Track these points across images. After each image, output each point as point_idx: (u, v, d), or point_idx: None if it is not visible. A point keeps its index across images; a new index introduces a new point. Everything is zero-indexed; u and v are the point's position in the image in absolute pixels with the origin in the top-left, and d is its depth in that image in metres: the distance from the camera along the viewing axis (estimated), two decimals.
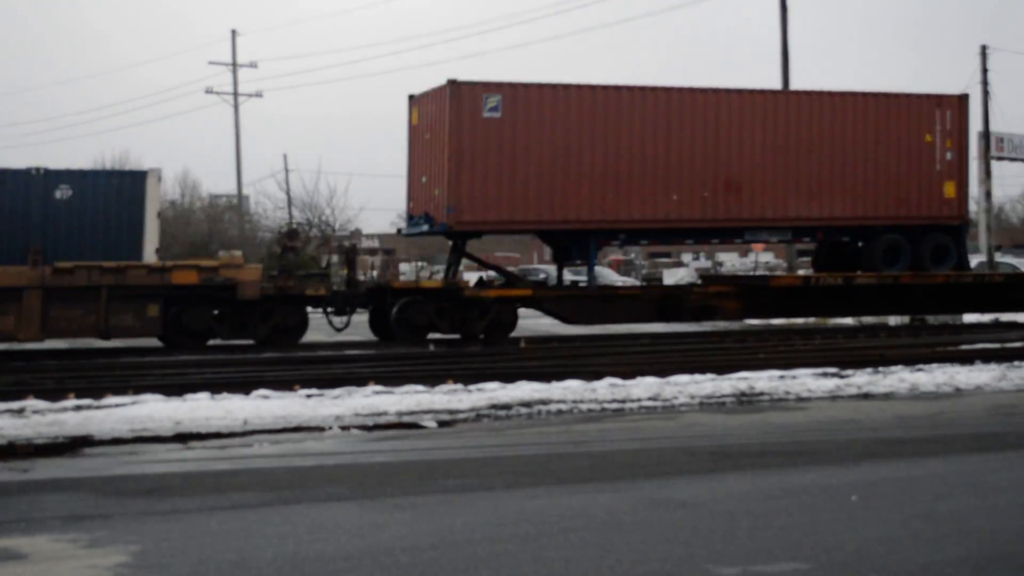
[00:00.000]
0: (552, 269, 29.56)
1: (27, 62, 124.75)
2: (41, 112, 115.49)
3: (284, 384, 14.56)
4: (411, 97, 23.23)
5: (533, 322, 29.19)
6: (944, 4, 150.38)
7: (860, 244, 24.87)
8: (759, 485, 8.77)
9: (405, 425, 12.18)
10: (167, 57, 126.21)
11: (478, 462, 9.97)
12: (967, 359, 18.13)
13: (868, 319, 26.73)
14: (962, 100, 24.88)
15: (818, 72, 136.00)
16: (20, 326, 19.05)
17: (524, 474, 9.36)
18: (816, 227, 24.53)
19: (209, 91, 53.05)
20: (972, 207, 27.89)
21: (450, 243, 23.56)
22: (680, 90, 23.13)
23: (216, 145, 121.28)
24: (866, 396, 14.63)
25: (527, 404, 13.34)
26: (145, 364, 17.36)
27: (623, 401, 13.71)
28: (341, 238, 45.90)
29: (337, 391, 14.10)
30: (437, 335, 21.75)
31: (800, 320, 27.13)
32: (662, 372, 15.92)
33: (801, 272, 33.42)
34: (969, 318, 27.56)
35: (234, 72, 53.03)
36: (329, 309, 21.77)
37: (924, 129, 24.15)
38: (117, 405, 12.75)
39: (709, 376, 15.62)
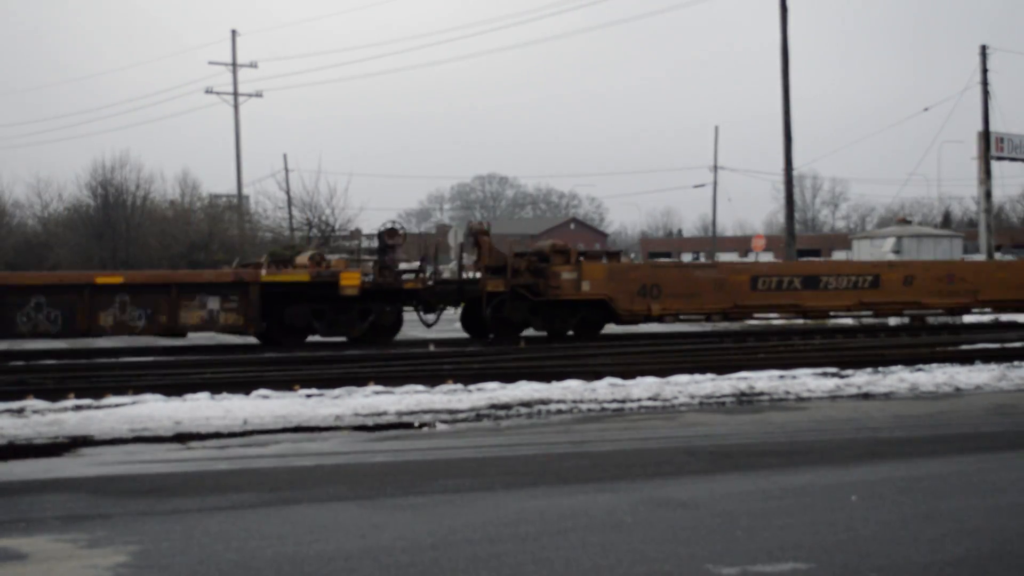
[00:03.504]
0: None
1: (26, 62, 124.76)
2: (41, 112, 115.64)
3: (284, 384, 14.57)
4: None
5: None
6: (945, 4, 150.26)
7: None
8: (759, 485, 8.77)
9: (405, 425, 12.18)
10: (167, 57, 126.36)
11: (478, 462, 9.96)
12: (967, 359, 18.16)
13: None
14: None
15: (816, 73, 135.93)
16: None
17: (524, 474, 9.35)
18: None
19: (209, 91, 53.18)
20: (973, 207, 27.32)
21: None
22: None
23: (216, 145, 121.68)
24: (866, 396, 14.63)
25: (527, 404, 13.34)
26: (145, 364, 17.35)
27: (623, 401, 13.70)
28: (341, 237, 45.89)
29: (337, 391, 14.10)
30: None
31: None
32: (662, 372, 15.95)
33: None
34: (969, 318, 27.55)
35: (234, 72, 53.13)
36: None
37: None
38: (117, 405, 12.75)
39: (709, 376, 15.64)
